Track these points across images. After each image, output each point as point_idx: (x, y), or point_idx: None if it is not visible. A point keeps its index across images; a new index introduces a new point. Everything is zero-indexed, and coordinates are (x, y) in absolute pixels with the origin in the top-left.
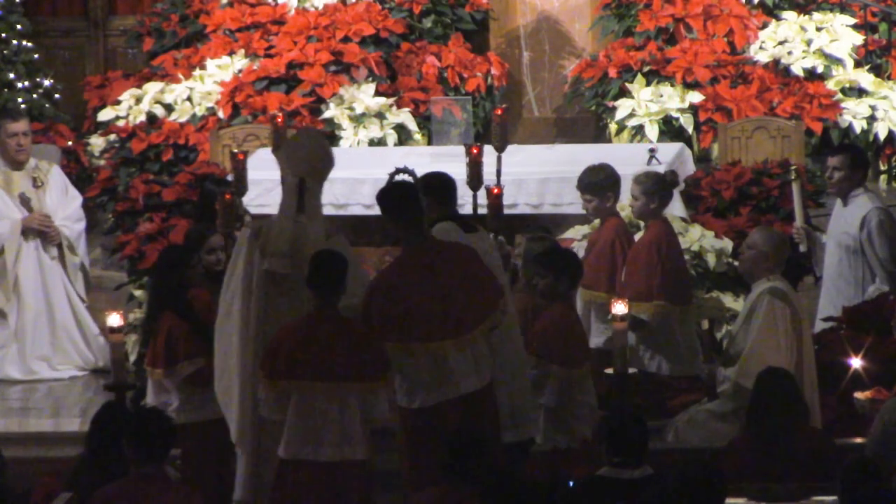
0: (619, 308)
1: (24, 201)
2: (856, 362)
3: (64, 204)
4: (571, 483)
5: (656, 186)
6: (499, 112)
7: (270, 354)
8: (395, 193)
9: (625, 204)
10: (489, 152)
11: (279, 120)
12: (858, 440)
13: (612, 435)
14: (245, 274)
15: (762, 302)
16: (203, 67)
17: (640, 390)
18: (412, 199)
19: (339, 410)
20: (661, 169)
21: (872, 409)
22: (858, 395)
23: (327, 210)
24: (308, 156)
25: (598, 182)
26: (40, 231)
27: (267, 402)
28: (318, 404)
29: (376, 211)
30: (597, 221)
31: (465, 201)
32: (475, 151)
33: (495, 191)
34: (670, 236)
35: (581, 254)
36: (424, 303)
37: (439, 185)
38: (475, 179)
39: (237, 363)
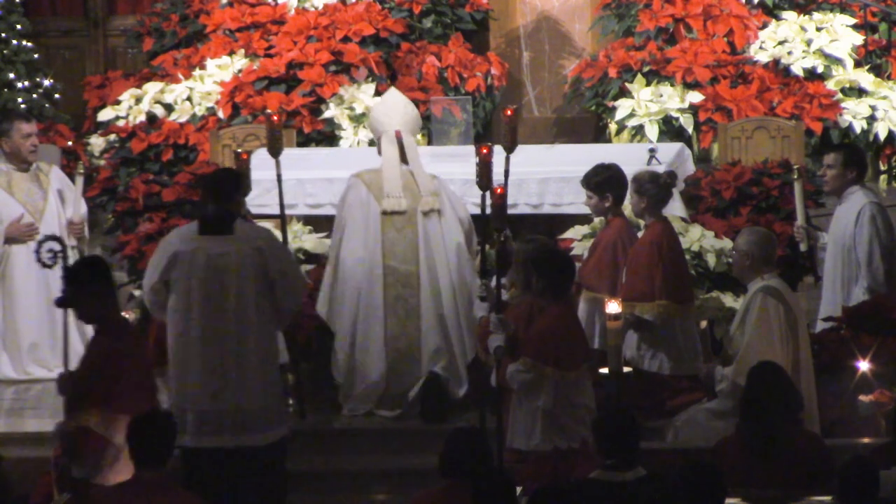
0: (613, 307)
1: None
2: (863, 365)
3: (74, 205)
4: (565, 486)
5: (648, 185)
6: (508, 112)
7: None
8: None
9: (627, 204)
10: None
11: (276, 119)
12: (864, 440)
13: (604, 437)
14: (360, 216)
15: (755, 300)
16: (203, 67)
17: (641, 390)
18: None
19: None
20: (661, 169)
21: (875, 412)
22: (863, 397)
23: (320, 210)
24: (402, 111)
25: (597, 181)
26: (27, 237)
27: None
28: None
29: None
30: (597, 221)
31: (467, 200)
32: (485, 151)
33: (498, 190)
34: (670, 236)
35: (580, 254)
36: None
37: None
38: (485, 179)
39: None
